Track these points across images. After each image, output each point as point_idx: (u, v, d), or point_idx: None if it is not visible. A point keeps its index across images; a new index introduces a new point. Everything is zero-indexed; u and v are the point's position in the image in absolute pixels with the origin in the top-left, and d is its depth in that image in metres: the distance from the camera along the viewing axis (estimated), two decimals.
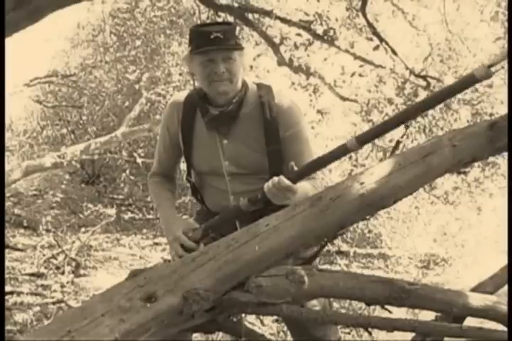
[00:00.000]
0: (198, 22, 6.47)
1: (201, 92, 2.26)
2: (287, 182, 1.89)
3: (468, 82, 1.63)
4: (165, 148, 2.42)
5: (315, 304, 2.15)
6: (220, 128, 2.24)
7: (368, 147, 7.80)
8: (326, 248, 6.84)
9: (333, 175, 7.22)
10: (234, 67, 2.16)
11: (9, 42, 5.01)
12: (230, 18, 6.08)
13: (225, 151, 2.24)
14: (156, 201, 2.45)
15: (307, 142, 2.24)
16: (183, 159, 2.43)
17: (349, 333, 3.98)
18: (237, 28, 2.26)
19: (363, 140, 1.76)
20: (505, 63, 1.66)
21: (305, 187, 2.08)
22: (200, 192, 2.41)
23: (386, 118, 7.25)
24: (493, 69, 1.58)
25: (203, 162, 2.32)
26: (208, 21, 6.02)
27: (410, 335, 1.79)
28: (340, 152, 1.81)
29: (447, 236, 7.96)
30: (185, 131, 2.31)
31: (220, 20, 6.04)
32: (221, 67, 2.13)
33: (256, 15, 6.74)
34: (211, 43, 2.11)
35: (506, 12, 6.33)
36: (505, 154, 1.75)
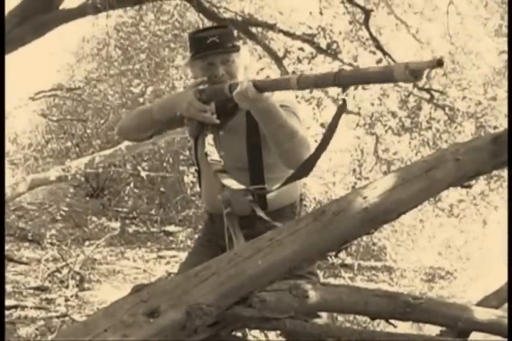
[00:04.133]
0: None
1: None
2: (254, 92, 1.91)
3: (384, 77, 1.48)
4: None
5: (317, 321, 2.14)
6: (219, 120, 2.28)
7: (372, 160, 7.82)
8: (330, 261, 6.86)
9: (336, 187, 7.23)
10: (233, 69, 2.24)
11: (14, 56, 5.05)
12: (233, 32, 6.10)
13: (220, 142, 2.28)
14: (144, 108, 2.45)
15: (297, 121, 2.19)
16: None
17: None
18: (234, 30, 2.33)
19: (303, 84, 1.73)
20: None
21: (287, 117, 2.07)
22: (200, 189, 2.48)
23: (389, 131, 7.28)
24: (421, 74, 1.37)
25: (202, 153, 2.33)
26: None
27: None
28: (285, 85, 1.81)
29: (452, 249, 7.95)
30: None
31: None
32: (220, 70, 2.21)
33: (259, 29, 6.78)
34: (208, 48, 2.20)
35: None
36: None
